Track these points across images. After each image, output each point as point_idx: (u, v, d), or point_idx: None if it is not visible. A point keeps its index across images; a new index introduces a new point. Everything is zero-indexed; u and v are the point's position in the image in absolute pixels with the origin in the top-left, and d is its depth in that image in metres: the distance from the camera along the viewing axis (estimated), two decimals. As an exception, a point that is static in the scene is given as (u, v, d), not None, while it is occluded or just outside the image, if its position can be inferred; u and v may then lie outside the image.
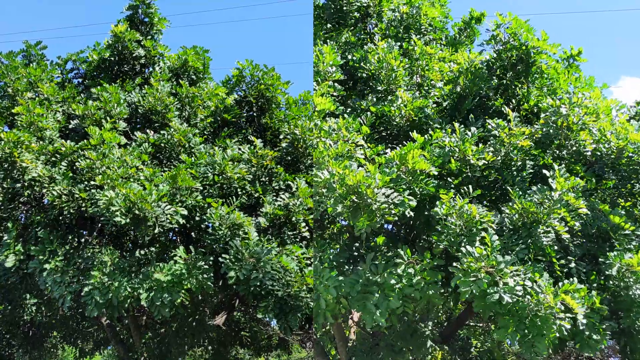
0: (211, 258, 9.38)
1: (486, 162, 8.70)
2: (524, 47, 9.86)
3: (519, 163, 8.85)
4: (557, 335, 7.20)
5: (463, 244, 7.46)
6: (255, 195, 10.21)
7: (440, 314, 13.73)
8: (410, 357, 11.81)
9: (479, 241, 7.52)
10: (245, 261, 8.86)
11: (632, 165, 8.92)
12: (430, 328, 11.99)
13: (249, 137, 11.18)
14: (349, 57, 10.87)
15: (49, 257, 9.28)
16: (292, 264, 8.99)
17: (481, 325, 15.11)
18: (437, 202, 7.83)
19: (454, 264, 7.41)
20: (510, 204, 8.08)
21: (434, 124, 9.45)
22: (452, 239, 7.59)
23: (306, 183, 10.16)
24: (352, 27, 11.91)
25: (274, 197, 10.06)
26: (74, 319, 13.78)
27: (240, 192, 10.09)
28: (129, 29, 12.27)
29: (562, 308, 7.15)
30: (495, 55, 10.27)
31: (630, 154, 8.88)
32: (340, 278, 8.05)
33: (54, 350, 15.50)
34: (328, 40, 11.12)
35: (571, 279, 7.53)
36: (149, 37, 12.84)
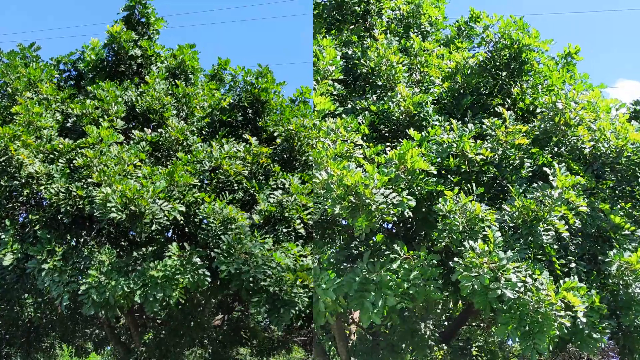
0: (206, 253, 9.33)
1: (484, 158, 8.66)
2: (515, 46, 9.81)
3: (517, 161, 8.81)
4: (557, 333, 7.16)
5: (465, 240, 7.43)
6: (251, 192, 10.19)
7: (440, 313, 13.68)
8: (411, 357, 11.79)
9: (481, 238, 7.48)
10: (237, 255, 8.82)
11: (631, 166, 8.87)
12: (430, 328, 11.97)
13: (245, 137, 11.16)
14: (349, 52, 10.85)
15: (47, 257, 9.27)
16: (285, 260, 8.93)
17: (482, 325, 15.07)
18: (440, 199, 7.79)
19: (455, 259, 7.37)
20: (511, 201, 8.04)
21: (432, 121, 9.42)
22: (454, 236, 7.56)
23: (300, 180, 10.13)
24: (353, 25, 11.90)
25: (269, 194, 10.03)
26: (73, 318, 13.78)
27: (236, 187, 10.08)
28: (124, 29, 12.26)
29: (563, 306, 7.12)
30: (488, 56, 10.23)
31: (629, 154, 8.84)
32: (339, 279, 8.02)
33: (51, 350, 15.50)
34: (327, 35, 11.10)
35: (572, 277, 7.50)
36: (146, 37, 12.83)
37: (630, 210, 8.97)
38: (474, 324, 15.18)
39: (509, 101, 10.06)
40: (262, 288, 8.87)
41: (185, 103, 11.67)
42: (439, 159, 8.45)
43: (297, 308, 8.93)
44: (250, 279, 8.78)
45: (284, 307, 8.88)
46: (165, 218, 9.02)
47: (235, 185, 10.07)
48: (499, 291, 7.02)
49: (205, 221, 9.30)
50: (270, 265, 8.85)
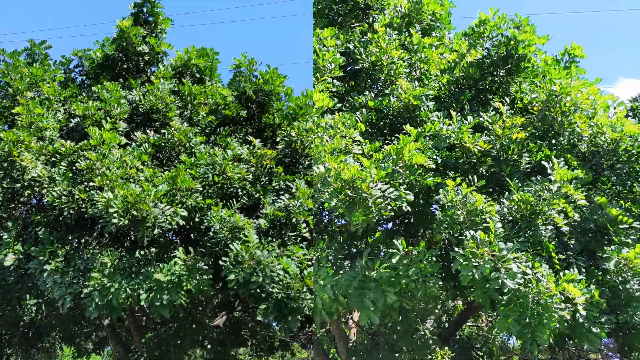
0: (211, 260, 9.35)
1: (482, 150, 8.68)
2: (512, 42, 9.84)
3: (515, 156, 8.84)
4: (557, 325, 7.14)
5: (466, 231, 7.43)
6: (256, 196, 10.20)
7: (440, 313, 13.69)
8: (411, 357, 11.80)
9: (481, 229, 7.48)
10: (246, 264, 8.84)
11: (628, 158, 8.90)
12: (430, 328, 11.98)
13: (247, 138, 11.19)
14: (350, 46, 10.87)
15: (49, 258, 9.27)
16: (292, 266, 8.95)
17: (481, 326, 15.09)
18: (441, 190, 7.80)
19: (456, 249, 7.35)
20: (509, 195, 8.06)
21: (432, 117, 9.44)
22: (454, 227, 7.55)
23: (306, 183, 10.15)
24: (355, 21, 11.94)
25: (274, 198, 10.03)
26: (74, 319, 13.77)
27: (240, 193, 10.07)
28: (134, 25, 12.32)
29: (563, 298, 7.13)
30: (485, 53, 10.26)
31: (627, 146, 8.87)
32: (338, 276, 8.02)
33: (52, 351, 15.48)
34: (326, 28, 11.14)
35: (571, 271, 7.50)
36: (154, 35, 12.89)
37: (628, 203, 8.99)
38: (474, 326, 15.20)
39: (507, 100, 10.12)
40: (269, 295, 8.90)
41: (190, 101, 11.67)
42: (437, 151, 8.46)
43: (303, 314, 8.95)
44: (258, 289, 8.81)
45: (291, 314, 8.90)
46: (168, 222, 9.02)
47: (239, 190, 10.07)
48: (499, 281, 6.99)
49: (212, 229, 9.28)
50: (278, 272, 8.86)
